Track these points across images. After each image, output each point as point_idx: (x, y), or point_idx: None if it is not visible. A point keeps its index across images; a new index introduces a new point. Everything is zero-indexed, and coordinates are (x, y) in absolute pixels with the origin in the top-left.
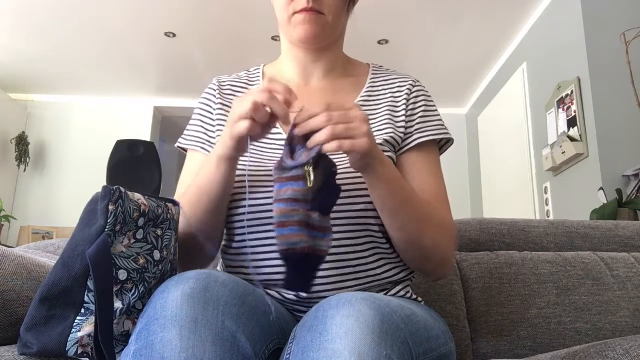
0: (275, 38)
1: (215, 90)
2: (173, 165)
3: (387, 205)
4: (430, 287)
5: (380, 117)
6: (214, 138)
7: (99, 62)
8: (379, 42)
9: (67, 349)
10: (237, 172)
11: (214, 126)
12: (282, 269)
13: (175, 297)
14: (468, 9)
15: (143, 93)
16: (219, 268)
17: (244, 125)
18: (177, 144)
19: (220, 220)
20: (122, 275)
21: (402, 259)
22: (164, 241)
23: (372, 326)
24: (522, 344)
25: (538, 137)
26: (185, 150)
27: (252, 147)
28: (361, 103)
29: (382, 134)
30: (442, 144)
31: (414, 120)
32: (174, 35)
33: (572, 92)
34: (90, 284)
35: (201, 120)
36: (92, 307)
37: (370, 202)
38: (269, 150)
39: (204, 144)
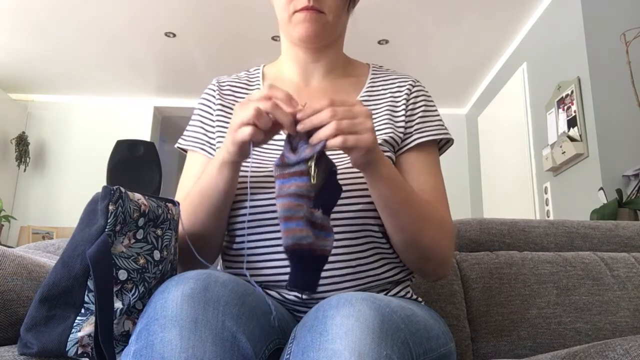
0: (275, 38)
1: (214, 91)
2: (173, 165)
3: (388, 205)
4: (430, 287)
5: (379, 117)
6: (213, 139)
7: (99, 62)
8: (379, 42)
9: (67, 349)
10: (239, 176)
11: (213, 127)
12: (284, 270)
13: (175, 297)
14: (468, 9)
15: (143, 93)
16: (219, 268)
17: (246, 132)
18: (176, 145)
19: (222, 224)
20: (122, 275)
21: (401, 260)
22: (164, 241)
23: (372, 326)
24: (522, 344)
25: (538, 137)
26: (185, 150)
27: (253, 151)
28: None
29: (382, 134)
30: (442, 144)
31: (413, 120)
32: (174, 35)
33: (572, 92)
34: (90, 284)
35: (201, 121)
36: (92, 307)
37: (370, 202)
38: (270, 152)
39: (203, 144)
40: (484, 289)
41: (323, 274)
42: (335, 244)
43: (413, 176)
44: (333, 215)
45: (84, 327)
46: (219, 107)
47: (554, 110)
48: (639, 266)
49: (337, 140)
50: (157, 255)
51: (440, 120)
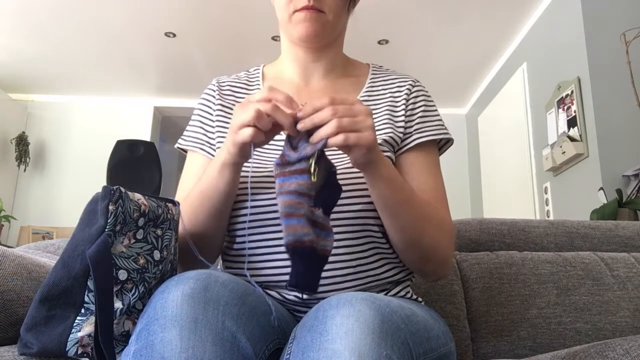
0: (275, 38)
1: (214, 91)
2: (173, 165)
3: (387, 205)
4: (430, 287)
5: (379, 117)
6: (213, 139)
7: (99, 62)
8: (379, 42)
9: (67, 349)
10: (240, 177)
11: (213, 127)
12: (284, 270)
13: (175, 297)
14: (468, 9)
15: (143, 93)
16: (219, 268)
17: (247, 133)
18: (176, 145)
19: (223, 224)
20: (122, 275)
21: (401, 260)
22: (164, 241)
23: (372, 326)
24: (522, 344)
25: (538, 137)
26: (185, 151)
27: (254, 151)
28: None
29: (382, 134)
30: (442, 144)
31: (413, 120)
32: (174, 35)
33: (572, 92)
34: (90, 284)
35: (201, 121)
36: (92, 307)
37: (370, 202)
38: (270, 152)
39: (203, 144)
40: (484, 289)
41: (323, 274)
42: (335, 244)
43: (413, 176)
44: (333, 215)
45: (84, 327)
46: (219, 107)
47: (554, 110)
48: (639, 266)
49: (339, 138)
50: (157, 255)
51: (440, 120)
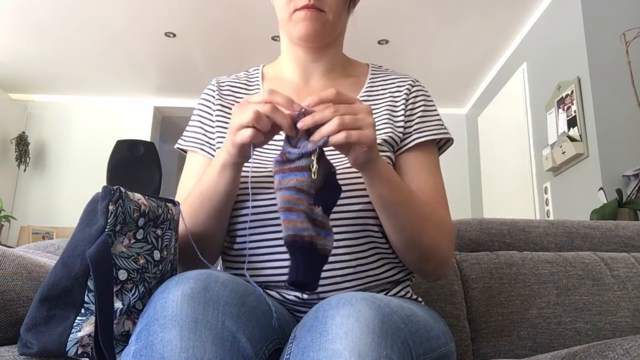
0: (275, 38)
1: (214, 91)
2: (173, 165)
3: (386, 205)
4: (430, 287)
5: (379, 116)
6: (213, 139)
7: (99, 62)
8: (379, 42)
9: (67, 349)
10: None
11: (213, 127)
12: (284, 270)
13: (175, 297)
14: (468, 9)
15: (143, 93)
16: (219, 268)
17: (246, 134)
18: (176, 145)
19: (223, 225)
20: (122, 275)
21: (401, 260)
22: (164, 241)
23: (372, 326)
24: (522, 344)
25: (538, 137)
26: (185, 151)
27: (254, 151)
28: None
29: (381, 134)
30: (442, 144)
31: (412, 120)
32: (174, 35)
33: (572, 92)
34: (90, 284)
35: (200, 122)
36: (92, 307)
37: (370, 202)
38: (270, 152)
39: (203, 145)
40: (484, 289)
41: (323, 274)
42: (335, 244)
43: (412, 176)
44: (333, 215)
45: (84, 327)
46: (219, 107)
47: (554, 110)
48: (639, 266)
49: (340, 136)
50: (157, 255)
51: (440, 120)
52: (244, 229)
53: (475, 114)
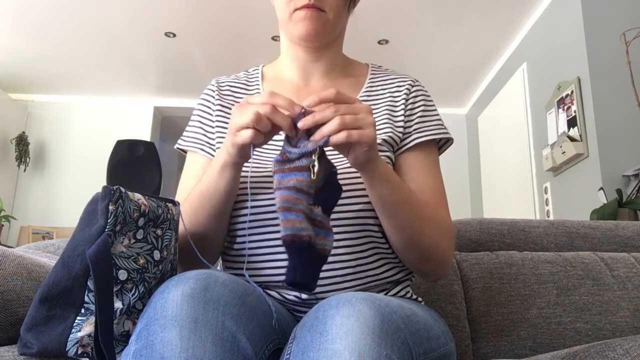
0: (275, 38)
1: (214, 92)
2: (173, 165)
3: (386, 205)
4: (430, 287)
5: (378, 116)
6: (213, 139)
7: (99, 62)
8: (379, 42)
9: (67, 349)
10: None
11: (213, 127)
12: (284, 270)
13: (175, 297)
14: (468, 9)
15: (143, 93)
16: (218, 268)
17: (246, 135)
18: (176, 146)
19: (224, 225)
20: (122, 275)
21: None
22: (164, 241)
23: (372, 326)
24: (522, 344)
25: (538, 137)
26: (185, 151)
27: (254, 152)
28: None
29: (381, 134)
30: (442, 144)
31: (412, 120)
32: (174, 35)
33: (572, 92)
34: (90, 284)
35: (200, 122)
36: (92, 307)
37: (369, 202)
38: (270, 152)
39: (203, 145)
40: (484, 289)
41: (323, 274)
42: (335, 244)
43: (412, 176)
44: (333, 216)
45: (84, 327)
46: (218, 107)
47: (554, 110)
48: (639, 266)
49: (341, 136)
50: (157, 255)
51: (440, 119)
52: (244, 229)
53: (475, 114)
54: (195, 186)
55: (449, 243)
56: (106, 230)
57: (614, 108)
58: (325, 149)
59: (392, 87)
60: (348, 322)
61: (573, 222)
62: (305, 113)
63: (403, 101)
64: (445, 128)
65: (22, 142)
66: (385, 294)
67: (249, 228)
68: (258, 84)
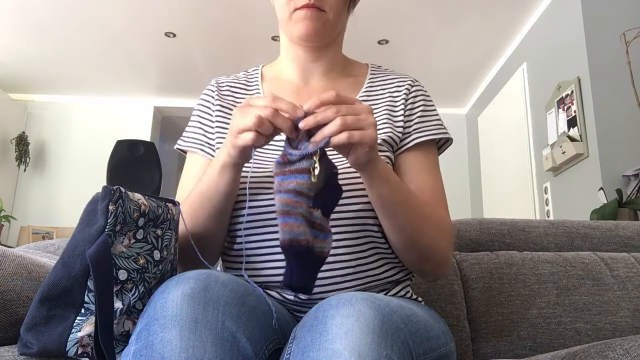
0: (275, 38)
1: (213, 92)
2: (173, 165)
3: (385, 205)
4: (430, 287)
5: (378, 116)
6: (213, 139)
7: (99, 62)
8: (379, 42)
9: (67, 349)
10: (240, 177)
11: (213, 127)
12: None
13: (175, 297)
14: (468, 9)
15: (143, 93)
16: (218, 269)
17: (248, 137)
18: (176, 146)
19: (224, 225)
20: (122, 275)
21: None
22: (164, 241)
23: (372, 326)
24: (522, 344)
25: (538, 137)
26: (185, 152)
27: (254, 153)
28: None
29: (381, 134)
30: (441, 144)
31: (412, 120)
32: (174, 35)
33: (572, 92)
34: (90, 284)
35: (200, 122)
36: (92, 307)
37: (369, 202)
38: (270, 152)
39: (203, 145)
40: (484, 289)
41: (323, 274)
42: (335, 244)
43: (412, 176)
44: (333, 216)
45: (84, 327)
46: (218, 107)
47: (554, 110)
48: (639, 266)
49: (343, 136)
50: (157, 255)
51: (439, 119)
52: (244, 229)
53: (475, 114)
54: (195, 186)
55: (448, 243)
56: (106, 230)
57: (614, 108)
58: (326, 149)
59: (391, 87)
60: (348, 322)
61: (573, 222)
62: (306, 115)
63: (403, 101)
64: (444, 128)
65: (22, 142)
66: (385, 294)
67: (249, 228)
68: (258, 85)
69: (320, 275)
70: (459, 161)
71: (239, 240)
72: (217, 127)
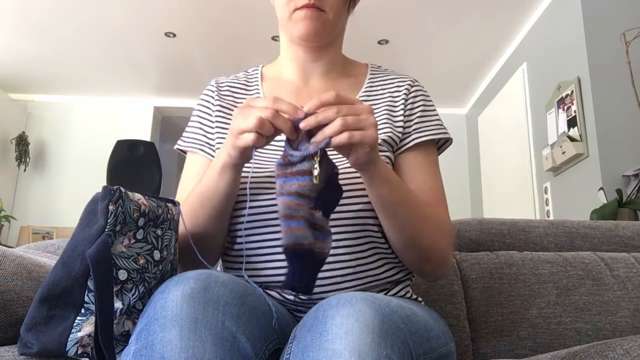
0: (275, 38)
1: (213, 92)
2: (173, 165)
3: (385, 205)
4: (430, 287)
5: (378, 116)
6: (213, 140)
7: (99, 62)
8: (379, 42)
9: (67, 349)
10: (240, 177)
11: (212, 128)
12: (285, 270)
13: (175, 297)
14: (468, 9)
15: (143, 93)
16: (218, 269)
17: (249, 138)
18: (176, 146)
19: (224, 225)
20: (122, 275)
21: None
22: (164, 241)
23: (372, 326)
24: (522, 344)
25: (538, 137)
26: (185, 152)
27: (255, 153)
28: None
29: (381, 134)
30: (441, 144)
31: (412, 120)
32: (174, 35)
33: (572, 92)
34: (90, 284)
35: (200, 122)
36: (92, 307)
37: (369, 202)
38: (270, 152)
39: (203, 145)
40: (484, 289)
41: (323, 274)
42: (335, 244)
43: (412, 176)
44: (333, 216)
45: (84, 327)
46: (218, 107)
47: (554, 110)
48: (639, 266)
49: (343, 137)
50: (157, 255)
51: (439, 120)
52: (244, 229)
53: (475, 114)
54: (195, 187)
55: (448, 243)
56: (106, 230)
57: (614, 108)
58: (326, 149)
59: (391, 87)
60: (348, 322)
61: (573, 222)
62: (306, 117)
63: (402, 101)
64: (444, 128)
65: (22, 142)
66: (385, 294)
67: (249, 229)
68: (257, 85)
69: (320, 275)
70: (459, 161)
71: (239, 240)
72: (217, 127)
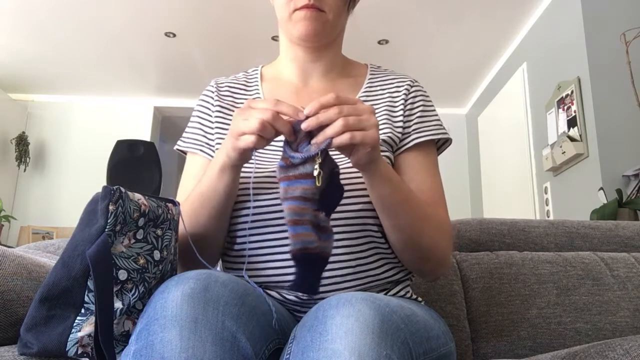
0: (275, 38)
1: (213, 92)
2: (173, 165)
3: (386, 205)
4: (430, 287)
5: (378, 117)
6: (212, 140)
7: (99, 62)
8: (379, 42)
9: (67, 349)
10: (240, 177)
11: (212, 128)
12: (286, 271)
13: (175, 297)
14: (468, 9)
15: (143, 93)
16: (218, 269)
17: (249, 140)
18: (176, 147)
19: (224, 226)
20: (122, 275)
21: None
22: (164, 241)
23: (372, 326)
24: (522, 344)
25: (538, 137)
26: (185, 152)
27: (255, 154)
28: None
29: (380, 134)
30: (440, 144)
31: (411, 120)
32: (174, 35)
33: (572, 92)
34: (90, 284)
35: (200, 123)
36: (92, 307)
37: (370, 202)
38: (270, 152)
39: (203, 146)
40: (484, 289)
41: (323, 274)
42: (335, 244)
43: (411, 176)
44: (333, 215)
45: (84, 327)
46: (218, 108)
47: (554, 110)
48: (639, 266)
49: (345, 137)
50: (157, 255)
51: (439, 120)
52: (245, 229)
53: (475, 114)
54: (195, 187)
55: (448, 243)
56: (106, 230)
57: (614, 108)
58: (328, 150)
59: (391, 88)
60: (348, 322)
61: (573, 222)
62: (306, 119)
63: (402, 101)
64: (444, 128)
65: (22, 142)
66: (385, 294)
67: (250, 229)
68: (257, 85)
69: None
70: (459, 161)
71: (239, 240)
72: (216, 127)
